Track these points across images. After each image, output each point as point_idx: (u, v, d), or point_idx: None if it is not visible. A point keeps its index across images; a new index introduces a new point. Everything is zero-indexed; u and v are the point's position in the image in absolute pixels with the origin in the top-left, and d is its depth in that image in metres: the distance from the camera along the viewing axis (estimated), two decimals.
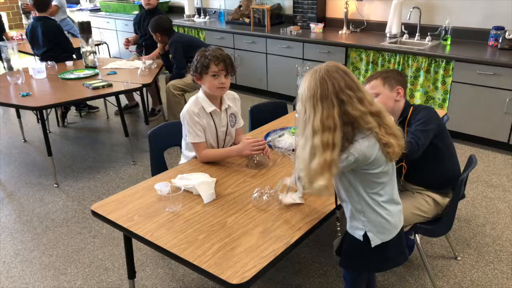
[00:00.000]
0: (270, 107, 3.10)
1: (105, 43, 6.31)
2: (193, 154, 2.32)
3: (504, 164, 3.63)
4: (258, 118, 2.98)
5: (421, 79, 4.08)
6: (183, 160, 2.42)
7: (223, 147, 2.40)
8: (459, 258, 2.51)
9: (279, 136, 2.55)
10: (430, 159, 2.05)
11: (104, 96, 3.62)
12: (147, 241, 1.68)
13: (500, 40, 3.96)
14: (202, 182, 1.95)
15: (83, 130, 4.68)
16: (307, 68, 1.83)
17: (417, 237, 2.21)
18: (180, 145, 2.51)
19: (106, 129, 4.71)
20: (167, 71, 4.60)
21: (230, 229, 1.71)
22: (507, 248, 2.59)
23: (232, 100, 2.40)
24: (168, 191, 1.93)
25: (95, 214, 1.87)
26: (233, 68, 2.23)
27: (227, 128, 2.36)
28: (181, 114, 2.29)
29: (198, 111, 2.23)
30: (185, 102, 4.24)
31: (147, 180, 2.11)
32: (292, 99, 5.10)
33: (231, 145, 2.45)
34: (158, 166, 2.57)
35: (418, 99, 4.15)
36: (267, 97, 5.39)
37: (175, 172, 2.17)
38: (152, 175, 2.57)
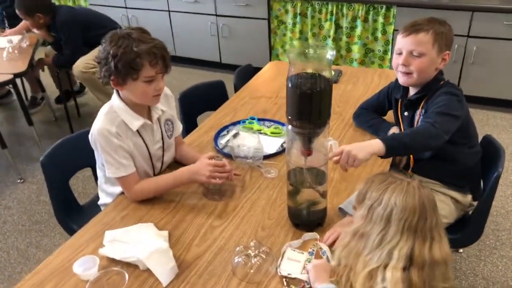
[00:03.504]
0: (203, 91, 2.35)
1: None
2: (118, 189, 1.54)
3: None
4: (191, 109, 2.24)
5: (358, 30, 3.57)
6: (104, 199, 1.62)
7: (160, 170, 1.64)
8: (461, 251, 2.13)
9: (233, 137, 1.86)
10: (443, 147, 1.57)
11: None
12: None
13: None
14: (153, 252, 1.22)
15: None
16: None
17: None
18: (92, 166, 1.71)
19: None
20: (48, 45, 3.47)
21: None
22: (503, 225, 2.29)
23: (164, 100, 1.60)
24: (96, 273, 1.19)
25: None
26: (170, 63, 1.43)
27: (163, 143, 1.60)
28: (90, 135, 1.47)
29: (117, 129, 1.43)
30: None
31: (57, 252, 1.31)
32: (209, 64, 4.34)
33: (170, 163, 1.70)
34: (64, 207, 1.75)
35: (356, 53, 3.66)
36: (177, 63, 4.51)
37: (99, 226, 1.40)
38: (57, 218, 1.76)
